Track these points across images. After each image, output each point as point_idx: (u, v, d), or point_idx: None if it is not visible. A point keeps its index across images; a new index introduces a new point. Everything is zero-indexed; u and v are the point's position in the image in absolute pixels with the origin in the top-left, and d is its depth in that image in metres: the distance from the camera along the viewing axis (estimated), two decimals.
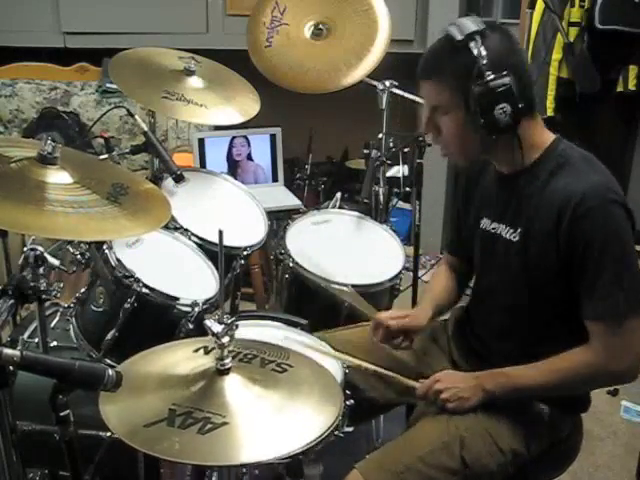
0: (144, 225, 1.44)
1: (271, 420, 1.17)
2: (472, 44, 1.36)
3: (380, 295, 2.05)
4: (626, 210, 1.38)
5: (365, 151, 2.57)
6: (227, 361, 1.22)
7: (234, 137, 2.97)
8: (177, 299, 1.71)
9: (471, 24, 1.38)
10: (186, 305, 1.71)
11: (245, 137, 2.98)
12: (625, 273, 1.36)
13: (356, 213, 2.29)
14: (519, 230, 1.47)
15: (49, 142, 1.35)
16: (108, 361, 1.66)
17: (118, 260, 1.69)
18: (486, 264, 1.59)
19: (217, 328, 1.20)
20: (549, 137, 1.48)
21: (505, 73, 1.36)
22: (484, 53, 1.35)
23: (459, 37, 1.37)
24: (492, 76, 1.35)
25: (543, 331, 1.49)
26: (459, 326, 1.72)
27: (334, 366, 1.60)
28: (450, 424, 1.46)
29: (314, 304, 2.01)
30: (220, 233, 1.22)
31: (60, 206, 1.28)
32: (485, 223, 1.56)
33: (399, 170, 3.01)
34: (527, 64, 1.51)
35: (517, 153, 1.44)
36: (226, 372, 1.22)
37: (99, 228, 1.33)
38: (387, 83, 2.44)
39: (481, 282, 1.66)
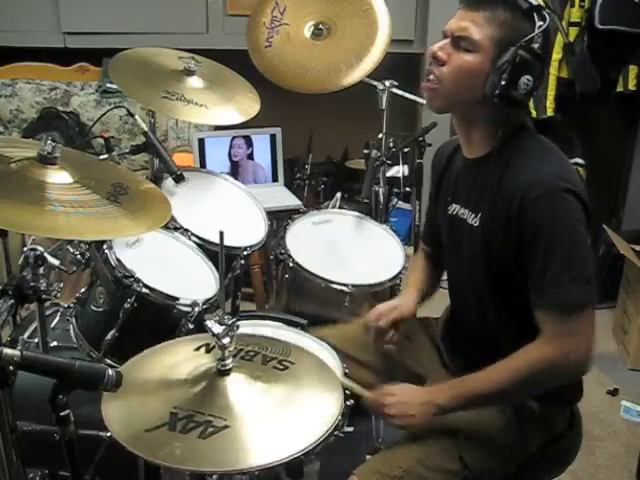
0: (144, 225, 1.43)
1: (272, 421, 1.16)
2: (536, 14, 1.37)
3: (380, 295, 2.05)
4: (580, 200, 1.35)
5: (365, 151, 2.57)
6: (228, 362, 1.22)
7: (233, 137, 2.97)
8: (177, 299, 1.71)
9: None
10: (186, 305, 1.71)
11: (244, 137, 2.97)
12: (574, 262, 1.33)
13: (356, 213, 2.29)
14: (479, 215, 1.46)
15: (49, 142, 1.35)
16: (108, 361, 1.66)
17: (118, 260, 1.69)
18: (452, 250, 1.59)
19: (218, 329, 1.20)
20: (517, 125, 1.47)
21: (544, 57, 1.38)
22: (541, 30, 1.36)
23: (527, 5, 1.37)
24: (539, 50, 1.36)
25: (514, 324, 1.45)
26: (446, 326, 1.72)
27: (334, 365, 1.61)
28: (446, 426, 1.45)
29: (314, 304, 2.02)
30: (221, 234, 1.22)
31: (60, 206, 1.28)
32: (454, 208, 1.55)
33: (399, 170, 3.02)
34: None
35: (489, 132, 1.44)
36: (227, 372, 1.22)
37: (99, 228, 1.33)
38: (387, 83, 2.44)
39: (450, 270, 1.65)
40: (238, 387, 1.21)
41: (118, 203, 1.38)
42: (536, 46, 1.36)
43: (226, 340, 1.20)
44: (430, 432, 1.45)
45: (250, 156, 3.01)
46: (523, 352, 1.37)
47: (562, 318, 1.33)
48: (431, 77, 1.42)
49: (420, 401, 1.42)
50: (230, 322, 1.21)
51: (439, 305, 1.79)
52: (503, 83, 1.35)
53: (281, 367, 1.28)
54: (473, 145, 1.49)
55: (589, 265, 1.35)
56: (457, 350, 1.65)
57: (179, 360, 1.30)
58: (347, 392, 1.45)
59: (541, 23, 1.36)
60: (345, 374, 1.56)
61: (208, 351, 1.31)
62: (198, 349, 1.33)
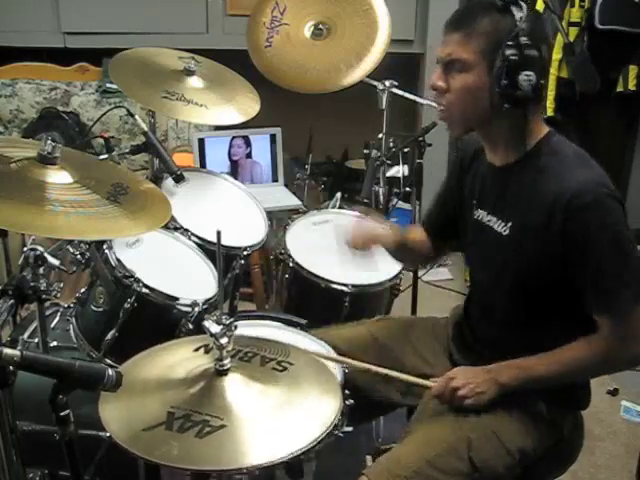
0: (144, 225, 1.44)
1: (270, 422, 1.16)
2: (515, 8, 1.35)
3: (380, 295, 2.06)
4: (620, 204, 1.37)
5: (365, 151, 2.58)
6: (226, 362, 1.22)
7: (233, 137, 2.97)
8: (177, 299, 1.71)
9: None
10: (186, 305, 1.71)
11: (243, 137, 2.97)
12: (626, 265, 1.37)
13: (356, 213, 2.29)
14: (510, 224, 1.46)
15: (49, 142, 1.35)
16: (108, 361, 1.66)
17: (118, 260, 1.69)
18: (478, 257, 1.60)
19: (215, 329, 1.20)
20: (544, 129, 1.48)
21: (539, 46, 1.35)
22: (524, 21, 1.34)
23: (500, 2, 1.36)
24: (528, 42, 1.34)
25: (540, 328, 1.48)
26: (458, 326, 1.71)
27: (333, 365, 1.61)
28: (455, 426, 1.46)
29: (314, 304, 2.02)
30: (218, 234, 1.22)
31: (60, 206, 1.28)
32: (479, 214, 1.56)
33: (399, 170, 3.02)
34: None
35: (514, 139, 1.43)
36: (225, 373, 1.22)
37: (99, 228, 1.33)
38: (387, 83, 2.44)
39: (475, 277, 1.66)
40: (236, 387, 1.21)
41: (118, 203, 1.38)
42: (524, 39, 1.34)
43: (224, 340, 1.20)
44: (440, 432, 1.46)
45: (249, 155, 3.00)
46: (579, 345, 1.42)
47: (617, 322, 1.39)
48: (441, 107, 1.45)
49: (484, 378, 1.46)
50: (228, 322, 1.21)
51: (441, 306, 1.78)
52: (504, 87, 1.35)
53: (280, 368, 1.28)
54: (500, 154, 1.49)
55: (637, 263, 1.38)
56: (467, 347, 1.65)
57: (177, 360, 1.30)
58: (347, 392, 1.45)
59: (520, 14, 1.35)
60: (391, 372, 1.57)
61: (207, 352, 1.31)
62: (197, 350, 1.33)
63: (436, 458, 1.41)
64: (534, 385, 1.47)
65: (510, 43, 1.33)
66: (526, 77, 1.35)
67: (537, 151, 1.44)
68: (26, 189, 1.29)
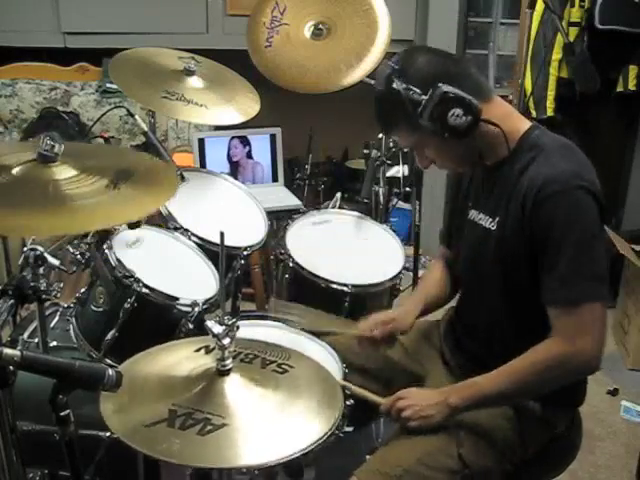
0: (153, 202, 1.39)
1: (271, 422, 1.17)
2: (394, 85, 1.41)
3: (380, 295, 2.05)
4: (595, 199, 1.36)
5: (365, 151, 2.57)
6: (228, 362, 1.22)
7: (231, 138, 2.97)
8: (177, 299, 1.71)
9: (385, 69, 1.46)
10: (186, 305, 1.72)
11: (242, 137, 2.97)
12: (584, 258, 1.35)
13: (356, 213, 2.29)
14: (497, 219, 1.48)
15: (47, 140, 1.33)
16: (108, 361, 1.66)
17: (118, 260, 1.69)
18: (465, 251, 1.60)
19: (218, 329, 1.20)
20: (524, 125, 1.48)
21: (437, 85, 1.38)
22: (405, 86, 1.40)
23: (380, 87, 1.46)
24: (426, 97, 1.38)
25: (524, 325, 1.47)
26: (450, 326, 1.72)
27: (333, 365, 1.61)
28: (446, 424, 1.45)
29: (314, 304, 2.01)
30: (222, 235, 1.22)
31: (70, 200, 1.25)
32: (472, 214, 1.57)
33: (399, 170, 3.01)
34: (452, 56, 1.54)
35: (496, 144, 1.46)
36: (227, 373, 1.22)
37: (109, 214, 1.28)
38: None
39: (465, 274, 1.66)
40: (237, 388, 1.21)
41: (125, 186, 1.33)
42: (421, 97, 1.39)
43: (226, 341, 1.20)
44: (430, 430, 1.45)
45: (249, 155, 3.01)
46: (533, 351, 1.39)
47: (570, 314, 1.36)
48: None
49: (435, 401, 1.44)
50: (230, 322, 1.21)
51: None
52: (450, 136, 1.40)
53: (280, 370, 1.29)
54: (489, 155, 1.51)
55: (600, 263, 1.37)
56: (459, 346, 1.65)
57: (179, 360, 1.30)
58: (347, 392, 1.45)
59: (399, 88, 1.40)
60: (348, 384, 1.55)
61: (208, 352, 1.31)
62: (198, 350, 1.33)
63: (426, 456, 1.41)
64: (490, 404, 1.46)
65: (418, 111, 1.39)
66: (454, 117, 1.39)
67: (520, 147, 1.46)
68: (33, 193, 1.26)
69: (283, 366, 1.30)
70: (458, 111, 1.38)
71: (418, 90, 1.39)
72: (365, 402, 1.54)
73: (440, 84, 1.38)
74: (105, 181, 1.31)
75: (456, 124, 1.39)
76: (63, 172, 1.32)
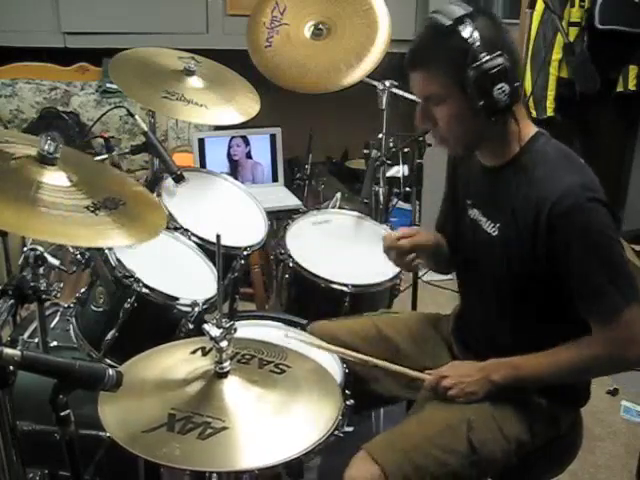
0: (137, 235, 1.36)
1: (271, 423, 1.17)
2: (461, 27, 1.34)
3: (380, 295, 2.06)
4: (605, 206, 1.37)
5: (365, 151, 2.57)
6: (226, 364, 1.21)
7: (232, 137, 2.97)
8: (177, 299, 1.71)
9: (457, 8, 1.36)
10: (186, 305, 1.71)
11: (242, 137, 2.97)
12: (613, 268, 1.37)
13: (356, 213, 2.29)
14: (498, 225, 1.48)
15: (49, 142, 1.33)
16: (108, 361, 1.66)
17: (118, 260, 1.69)
18: (469, 256, 1.60)
19: (215, 332, 1.20)
20: (531, 130, 1.48)
21: (499, 53, 1.34)
22: (476, 35, 1.33)
23: (447, 22, 1.35)
24: (487, 57, 1.33)
25: (529, 326, 1.48)
26: (458, 320, 1.72)
27: (333, 366, 1.61)
28: (457, 407, 1.47)
29: (314, 304, 2.01)
30: (218, 237, 1.22)
31: (55, 209, 1.24)
32: (474, 213, 1.57)
33: (399, 170, 3.01)
34: (515, 43, 1.46)
35: (504, 143, 1.44)
36: (225, 375, 1.22)
37: (86, 235, 1.26)
38: (387, 83, 2.44)
39: (465, 275, 1.66)
40: (235, 390, 1.21)
41: (110, 212, 1.31)
42: (482, 55, 1.33)
43: (224, 343, 1.20)
44: (442, 412, 1.47)
45: (249, 155, 3.00)
46: (576, 346, 1.42)
47: (610, 325, 1.38)
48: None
49: (477, 377, 1.47)
50: (227, 325, 1.20)
51: (441, 306, 1.78)
52: (483, 106, 1.35)
53: (278, 371, 1.29)
54: (488, 156, 1.50)
55: (623, 265, 1.38)
56: (468, 347, 1.66)
57: (176, 362, 1.30)
58: (347, 392, 1.45)
59: (467, 34, 1.33)
60: (386, 363, 1.58)
61: (205, 354, 1.31)
62: (194, 352, 1.33)
63: (435, 435, 1.43)
64: (526, 384, 1.48)
65: (472, 65, 1.33)
66: (499, 90, 1.35)
67: (522, 154, 1.45)
68: (17, 187, 1.23)
69: (281, 366, 1.30)
70: (506, 88, 1.34)
71: (481, 45, 1.33)
72: (408, 378, 1.57)
73: (504, 53, 1.34)
74: (88, 202, 1.29)
75: (496, 98, 1.35)
76: (55, 178, 1.30)
